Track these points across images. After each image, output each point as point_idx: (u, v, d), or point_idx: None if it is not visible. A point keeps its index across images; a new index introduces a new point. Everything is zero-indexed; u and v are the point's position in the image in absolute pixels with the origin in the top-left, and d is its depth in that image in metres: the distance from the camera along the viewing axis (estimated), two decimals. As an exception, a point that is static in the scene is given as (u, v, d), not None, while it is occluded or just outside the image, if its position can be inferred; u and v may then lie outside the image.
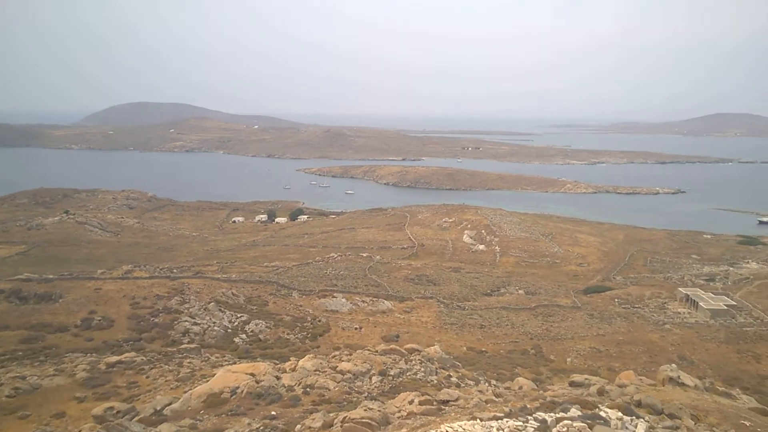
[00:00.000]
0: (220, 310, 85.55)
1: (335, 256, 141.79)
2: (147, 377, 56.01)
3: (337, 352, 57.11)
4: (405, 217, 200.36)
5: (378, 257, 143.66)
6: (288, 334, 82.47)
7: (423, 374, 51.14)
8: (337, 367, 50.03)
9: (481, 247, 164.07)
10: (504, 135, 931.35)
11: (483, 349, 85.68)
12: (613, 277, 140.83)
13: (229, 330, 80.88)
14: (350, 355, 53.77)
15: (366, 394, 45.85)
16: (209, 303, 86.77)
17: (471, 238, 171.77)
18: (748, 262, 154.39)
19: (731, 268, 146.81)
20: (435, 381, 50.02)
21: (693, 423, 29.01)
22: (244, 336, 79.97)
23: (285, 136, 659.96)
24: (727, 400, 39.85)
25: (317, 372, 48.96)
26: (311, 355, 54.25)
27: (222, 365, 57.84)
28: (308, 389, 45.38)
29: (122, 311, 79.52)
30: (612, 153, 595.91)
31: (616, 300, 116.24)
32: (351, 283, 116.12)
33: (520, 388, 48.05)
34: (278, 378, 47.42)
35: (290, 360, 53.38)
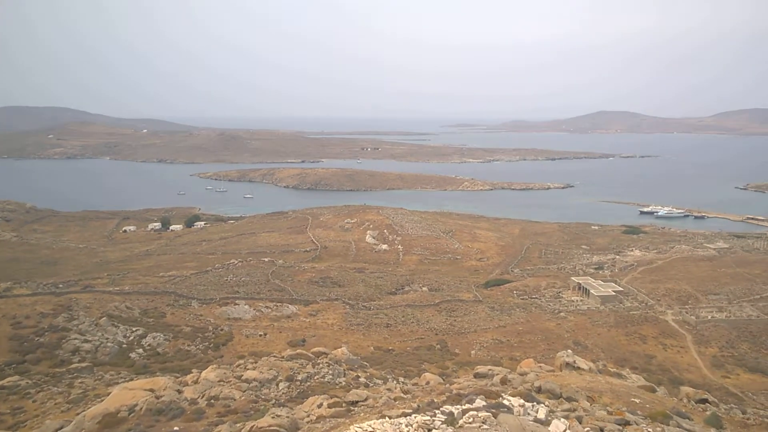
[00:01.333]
0: (113, 324, 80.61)
1: (236, 262, 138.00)
2: (34, 401, 51.60)
3: (241, 361, 55.37)
4: (307, 219, 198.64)
5: (281, 261, 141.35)
6: (189, 345, 79.12)
7: (331, 377, 50.63)
8: (242, 376, 48.48)
9: (384, 246, 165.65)
10: (402, 135, 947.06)
11: (390, 348, 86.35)
12: (511, 269, 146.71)
13: (125, 345, 76.40)
14: (255, 362, 52.32)
15: (273, 401, 44.76)
16: (101, 318, 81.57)
17: (374, 238, 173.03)
18: (632, 250, 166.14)
19: (617, 257, 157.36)
20: (343, 383, 49.65)
21: (589, 404, 30.44)
22: (141, 350, 75.79)
23: (177, 140, 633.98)
24: (619, 380, 42.36)
25: (221, 382, 47.18)
26: (214, 366, 52.23)
27: (118, 383, 54.40)
28: (213, 401, 43.58)
29: (2, 332, 73.02)
30: (505, 151, 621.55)
31: (514, 292, 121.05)
32: (254, 289, 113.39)
33: (428, 383, 48.64)
34: (180, 392, 45.19)
35: (192, 372, 51.14)
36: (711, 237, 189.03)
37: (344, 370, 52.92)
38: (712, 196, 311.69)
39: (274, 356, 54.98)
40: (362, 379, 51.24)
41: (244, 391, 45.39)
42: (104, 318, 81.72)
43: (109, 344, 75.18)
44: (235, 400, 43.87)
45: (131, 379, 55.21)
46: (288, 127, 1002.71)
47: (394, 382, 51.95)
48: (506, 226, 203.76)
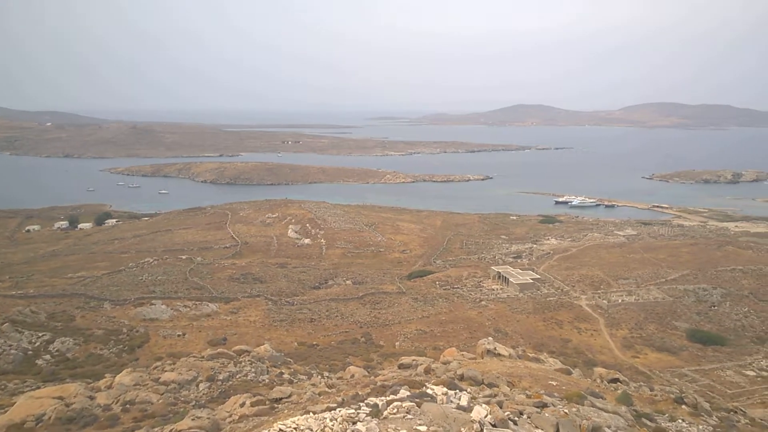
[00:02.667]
0: (17, 330, 75.44)
1: (151, 260, 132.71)
2: (-75, 418, 47.45)
3: (159, 363, 53.27)
4: (226, 215, 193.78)
5: (199, 258, 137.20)
6: (101, 349, 75.29)
7: (254, 375, 49.56)
8: (159, 378, 46.65)
9: (307, 240, 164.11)
10: (324, 128, 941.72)
11: (314, 343, 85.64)
12: (434, 260, 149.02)
13: (30, 352, 71.66)
14: (174, 364, 50.48)
15: (194, 402, 43.36)
16: (3, 324, 76.16)
17: (296, 232, 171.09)
18: (548, 239, 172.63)
19: (534, 245, 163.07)
20: (267, 380, 48.71)
21: (509, 389, 31.17)
22: (48, 357, 71.35)
23: (85, 133, 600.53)
24: (537, 364, 43.72)
25: (137, 386, 45.20)
26: (129, 369, 49.95)
27: (23, 392, 50.99)
28: (128, 406, 41.66)
29: None
30: (426, 144, 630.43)
31: (437, 282, 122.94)
32: (171, 288, 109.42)
33: (352, 376, 48.50)
34: (92, 398, 42.93)
35: (105, 377, 48.76)
36: (620, 225, 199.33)
37: (267, 367, 51.93)
38: (621, 185, 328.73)
39: (194, 356, 53.24)
40: (286, 376, 50.46)
41: (162, 394, 43.69)
42: (6, 324, 76.34)
43: (12, 351, 70.31)
44: (152, 403, 42.15)
45: (38, 387, 51.88)
46: (207, 120, 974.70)
47: (319, 377, 51.50)
48: (428, 218, 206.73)
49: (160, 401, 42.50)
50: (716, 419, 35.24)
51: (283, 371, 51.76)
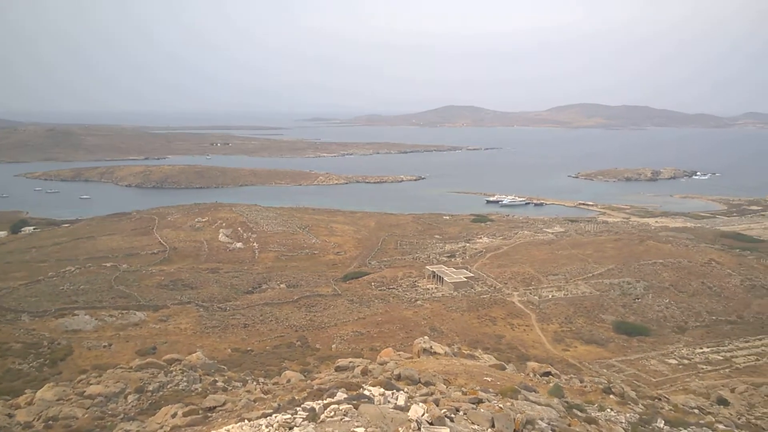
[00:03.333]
0: (-77, 348, 70.39)
1: (72, 269, 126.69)
2: None
3: (83, 376, 50.81)
4: (153, 220, 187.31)
5: (125, 266, 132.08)
6: (20, 364, 71.15)
7: (186, 384, 48.02)
8: (84, 392, 44.50)
9: (239, 245, 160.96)
10: (254, 130, 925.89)
11: (249, 348, 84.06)
12: (369, 262, 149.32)
13: (-61, 371, 66.98)
14: (100, 376, 48.28)
15: (122, 416, 41.64)
16: None
17: (227, 236, 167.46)
18: (480, 238, 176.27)
19: (468, 244, 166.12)
20: (200, 389, 47.32)
21: (445, 387, 31.47)
22: (-41, 375, 66.87)
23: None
24: (472, 361, 44.43)
25: (60, 401, 42.97)
26: (51, 384, 47.40)
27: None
28: (51, 422, 39.61)
29: None
30: (359, 145, 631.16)
31: (372, 283, 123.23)
32: (95, 298, 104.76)
33: (288, 381, 47.77)
34: (11, 416, 40.66)
35: (25, 393, 46.13)
36: (549, 222, 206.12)
37: (200, 375, 50.43)
38: (549, 184, 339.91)
39: (121, 368, 51.04)
40: (220, 384, 49.17)
41: (88, 408, 41.75)
42: None
43: None
44: (77, 418, 40.22)
45: (-52, 409, 48.37)
46: (131, 122, 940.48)
47: (254, 383, 50.45)
48: (362, 219, 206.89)
49: (86, 416, 40.58)
50: (642, 407, 36.87)
51: (216, 379, 50.42)
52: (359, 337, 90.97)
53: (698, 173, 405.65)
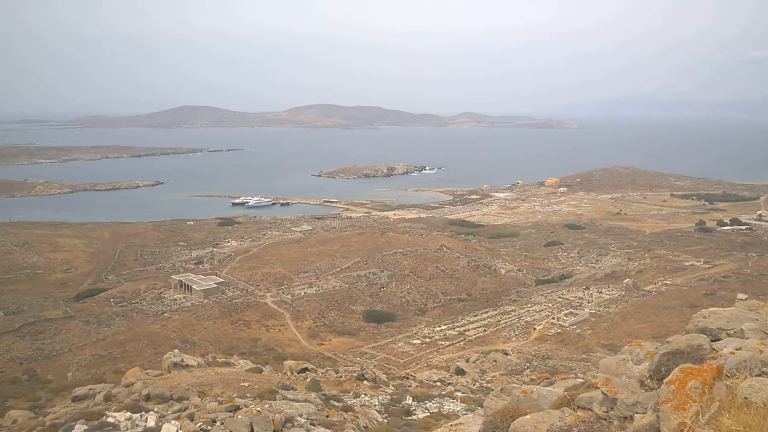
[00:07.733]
0: None
1: None
2: None
3: None
4: None
5: None
6: None
7: None
8: None
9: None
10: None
11: (-44, 394, 70.45)
12: (105, 277, 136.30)
13: None
14: None
15: None
16: None
17: None
18: (228, 241, 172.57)
19: (215, 249, 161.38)
20: None
21: (200, 399, 30.08)
22: None
23: None
24: (228, 368, 43.25)
25: None
26: None
27: None
28: None
29: None
30: (84, 149, 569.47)
31: (111, 300, 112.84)
32: None
33: (15, 422, 41.12)
34: None
35: None
36: (296, 221, 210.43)
37: None
38: (293, 183, 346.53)
39: None
40: None
41: None
42: None
43: None
44: None
45: None
46: None
47: (-35, 434, 42.45)
48: (94, 231, 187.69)
49: None
50: (392, 388, 39.75)
51: None
52: (100, 360, 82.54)
53: (427, 168, 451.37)
